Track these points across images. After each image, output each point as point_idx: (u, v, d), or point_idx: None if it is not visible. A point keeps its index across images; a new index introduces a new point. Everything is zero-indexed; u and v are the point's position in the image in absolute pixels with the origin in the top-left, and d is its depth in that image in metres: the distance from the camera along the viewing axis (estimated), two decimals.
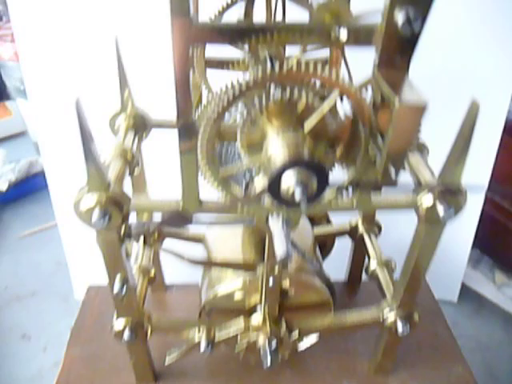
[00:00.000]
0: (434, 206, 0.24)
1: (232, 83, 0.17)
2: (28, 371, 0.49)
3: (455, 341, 0.39)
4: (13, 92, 0.75)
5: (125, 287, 0.26)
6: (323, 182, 0.17)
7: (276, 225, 0.22)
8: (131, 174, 0.27)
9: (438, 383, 0.36)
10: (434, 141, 0.29)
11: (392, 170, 0.18)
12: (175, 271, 0.44)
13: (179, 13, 0.17)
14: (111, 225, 0.23)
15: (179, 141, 0.22)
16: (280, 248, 0.21)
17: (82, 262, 0.54)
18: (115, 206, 0.22)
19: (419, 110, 0.17)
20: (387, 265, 0.35)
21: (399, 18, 0.17)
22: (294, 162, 0.16)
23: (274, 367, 0.29)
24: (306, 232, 0.35)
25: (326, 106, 0.18)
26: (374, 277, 0.35)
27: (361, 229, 0.38)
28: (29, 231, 0.65)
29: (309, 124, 0.18)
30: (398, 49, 0.18)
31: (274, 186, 0.17)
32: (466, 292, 0.58)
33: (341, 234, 0.39)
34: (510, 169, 0.62)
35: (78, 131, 0.20)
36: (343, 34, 0.18)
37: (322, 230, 0.38)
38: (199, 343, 0.30)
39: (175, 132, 0.30)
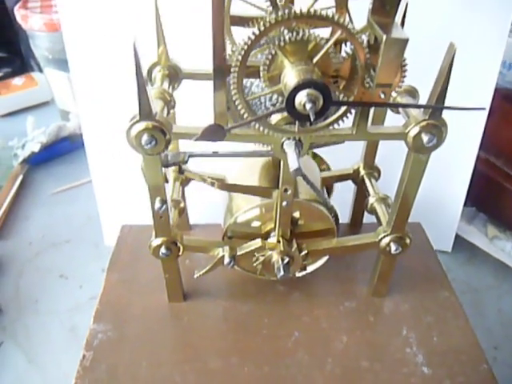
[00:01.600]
0: (419, 135, 0.29)
1: (257, 23, 0.22)
2: (67, 304, 0.55)
3: (444, 272, 0.44)
4: (41, 61, 0.80)
5: (163, 207, 0.32)
6: (328, 100, 0.22)
7: (290, 148, 0.28)
8: (168, 114, 0.32)
9: (426, 304, 0.41)
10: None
11: (382, 95, 0.24)
12: (198, 214, 0.50)
13: None
14: (156, 149, 0.28)
15: (214, 77, 0.27)
16: (293, 163, 0.27)
17: (113, 213, 0.60)
18: (160, 132, 0.28)
19: (403, 42, 0.22)
20: (384, 200, 0.40)
21: None
22: (304, 82, 0.22)
23: (285, 278, 0.35)
24: (315, 173, 0.41)
25: (330, 43, 0.23)
26: (372, 210, 0.40)
27: (362, 172, 0.43)
28: (60, 188, 0.71)
29: (316, 58, 0.23)
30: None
31: (289, 101, 0.22)
32: (460, 243, 0.63)
33: (345, 177, 0.44)
34: (504, 129, 0.67)
35: (134, 68, 0.25)
36: None
37: (328, 173, 0.44)
38: (223, 258, 0.36)
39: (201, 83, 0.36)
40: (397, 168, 0.34)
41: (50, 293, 0.56)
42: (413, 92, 0.33)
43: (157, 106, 0.31)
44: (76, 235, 0.65)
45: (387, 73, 0.23)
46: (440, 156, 0.55)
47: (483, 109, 0.27)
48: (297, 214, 0.37)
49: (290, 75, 0.23)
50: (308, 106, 0.22)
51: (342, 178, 0.44)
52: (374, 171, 0.43)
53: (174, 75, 0.36)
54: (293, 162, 0.27)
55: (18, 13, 0.74)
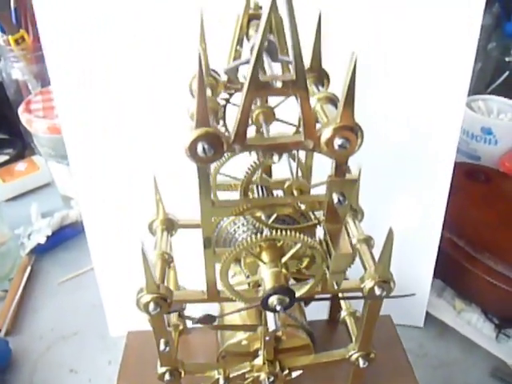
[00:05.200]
0: (372, 289, 0.36)
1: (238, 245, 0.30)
2: None
3: (409, 364, 0.51)
4: (44, 155, 0.87)
5: (167, 347, 0.39)
6: (292, 298, 0.29)
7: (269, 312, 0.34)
8: (168, 267, 0.39)
9: None
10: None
11: (334, 283, 0.31)
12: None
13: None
14: (161, 312, 0.35)
15: (204, 248, 0.34)
16: (271, 324, 0.33)
17: (116, 303, 0.66)
18: (163, 300, 0.35)
19: (348, 255, 0.29)
20: (353, 315, 0.47)
21: (334, 198, 0.30)
22: (275, 290, 0.29)
23: None
24: None
25: (292, 250, 0.30)
26: (343, 323, 0.47)
27: None
28: (66, 277, 0.77)
29: (284, 259, 0.30)
30: (334, 214, 0.30)
31: (264, 302, 0.29)
32: (430, 319, 0.70)
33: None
34: (466, 208, 0.74)
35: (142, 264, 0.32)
36: (303, 206, 0.30)
37: None
38: (218, 380, 0.42)
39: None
40: None
41: None
42: (368, 241, 0.40)
43: (158, 269, 0.38)
44: (83, 326, 0.70)
45: (337, 268, 0.30)
46: (406, 239, 0.62)
47: (413, 295, 0.34)
48: (281, 335, 0.44)
49: (264, 275, 0.30)
50: (278, 307, 0.29)
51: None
52: None
53: (171, 226, 0.43)
54: (271, 323, 0.33)
55: (23, 117, 0.81)
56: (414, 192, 0.62)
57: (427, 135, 0.57)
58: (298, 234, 0.29)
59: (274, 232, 0.29)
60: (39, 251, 0.81)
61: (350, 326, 0.46)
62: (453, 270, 0.71)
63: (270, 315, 0.34)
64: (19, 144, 1.07)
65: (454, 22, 0.51)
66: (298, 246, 0.30)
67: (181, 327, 0.47)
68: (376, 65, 0.53)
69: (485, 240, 0.70)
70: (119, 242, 0.62)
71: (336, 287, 0.31)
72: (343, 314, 0.48)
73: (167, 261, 0.39)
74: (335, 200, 0.29)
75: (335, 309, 0.52)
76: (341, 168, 0.28)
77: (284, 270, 0.31)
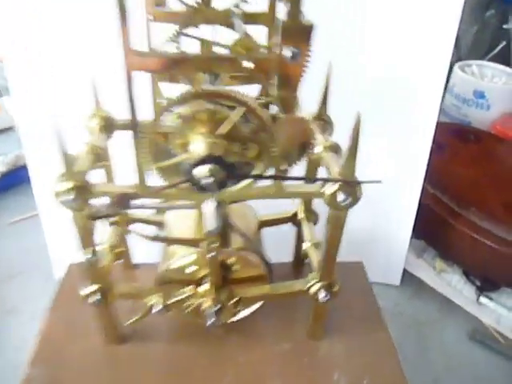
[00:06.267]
0: (334, 195, 0.30)
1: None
2: (16, 340, 0.55)
3: (380, 314, 0.46)
4: (2, 90, 0.80)
5: (94, 256, 0.33)
6: (232, 174, 0.23)
7: (208, 207, 0.28)
8: (101, 166, 0.33)
9: (361, 346, 0.42)
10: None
11: (285, 165, 0.25)
12: (144, 253, 0.50)
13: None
14: (78, 204, 0.29)
15: (133, 139, 0.28)
16: (209, 224, 0.28)
17: (61, 247, 0.60)
18: (80, 190, 0.29)
19: (299, 121, 0.23)
20: (317, 245, 0.41)
21: (287, 52, 0.24)
22: (205, 159, 0.23)
23: (215, 326, 0.36)
24: (248, 219, 0.41)
25: (233, 117, 0.24)
26: (306, 256, 0.42)
27: (300, 216, 0.44)
28: (16, 218, 0.71)
29: (220, 129, 0.24)
30: (287, 78, 0.24)
31: (190, 176, 0.23)
32: (408, 277, 0.65)
33: (284, 220, 0.45)
34: (451, 164, 0.69)
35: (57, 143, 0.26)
36: (251, 64, 0.24)
37: (268, 216, 0.45)
38: (153, 306, 0.36)
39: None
40: None
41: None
42: (335, 148, 0.35)
43: (84, 162, 0.32)
44: (29, 267, 0.65)
45: (287, 146, 0.25)
46: (385, 190, 0.58)
47: (379, 181, 0.28)
48: (232, 261, 0.38)
49: (198, 147, 0.24)
50: (205, 183, 0.23)
51: (281, 221, 0.45)
52: (311, 215, 0.44)
53: (108, 126, 0.37)
54: (209, 223, 0.28)
55: None
56: (395, 142, 0.57)
57: (412, 87, 0.54)
58: (239, 91, 0.23)
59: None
60: None
61: (311, 258, 0.40)
62: (435, 227, 0.65)
63: (207, 216, 0.28)
64: None
65: None
66: (239, 111, 0.24)
67: (118, 250, 0.41)
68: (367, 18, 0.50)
69: (471, 197, 0.65)
70: None
71: (287, 167, 0.25)
72: (306, 245, 0.42)
73: (99, 155, 0.33)
74: (288, 54, 0.23)
75: (299, 247, 0.47)
76: (295, 9, 0.22)
77: (223, 142, 0.25)
